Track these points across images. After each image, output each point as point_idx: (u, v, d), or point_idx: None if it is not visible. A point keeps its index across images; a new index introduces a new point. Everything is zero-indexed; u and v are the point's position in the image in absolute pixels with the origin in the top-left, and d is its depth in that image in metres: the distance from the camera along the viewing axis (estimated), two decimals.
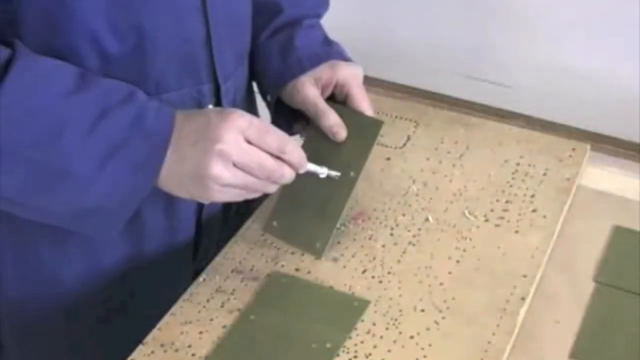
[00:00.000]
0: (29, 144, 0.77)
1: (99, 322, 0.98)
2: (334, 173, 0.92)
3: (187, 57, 0.89)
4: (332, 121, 0.94)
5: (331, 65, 0.98)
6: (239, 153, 0.81)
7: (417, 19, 2.43)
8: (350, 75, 0.98)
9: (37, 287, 0.94)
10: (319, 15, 1.07)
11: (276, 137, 0.83)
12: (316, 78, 0.97)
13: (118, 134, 0.79)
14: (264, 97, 1.03)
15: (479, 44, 2.38)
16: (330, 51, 1.01)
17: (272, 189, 0.86)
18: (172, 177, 0.82)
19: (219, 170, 0.80)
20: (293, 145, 0.85)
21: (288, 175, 0.85)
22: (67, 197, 0.80)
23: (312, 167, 0.90)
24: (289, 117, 1.02)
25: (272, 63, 1.00)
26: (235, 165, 0.81)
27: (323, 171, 0.91)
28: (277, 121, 1.04)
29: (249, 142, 0.82)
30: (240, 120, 0.82)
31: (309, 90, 0.96)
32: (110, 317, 0.98)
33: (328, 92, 0.98)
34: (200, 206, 0.98)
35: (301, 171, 0.87)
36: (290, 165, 0.85)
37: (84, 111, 0.79)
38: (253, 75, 1.04)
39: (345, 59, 1.01)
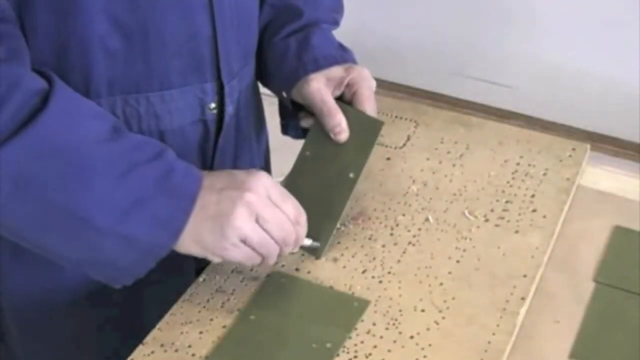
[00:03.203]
0: (49, 185, 0.75)
1: (100, 319, 0.98)
2: (315, 244, 0.91)
3: (192, 55, 0.89)
4: (336, 121, 0.95)
5: (346, 67, 0.99)
6: (265, 207, 0.81)
7: (418, 19, 2.43)
8: (362, 77, 0.98)
9: (38, 281, 0.94)
10: (335, 21, 1.08)
11: (295, 205, 0.84)
12: (328, 77, 0.98)
13: (143, 189, 0.78)
14: (279, 94, 1.03)
15: (479, 45, 2.38)
16: (345, 55, 1.02)
17: (273, 260, 0.84)
18: (191, 228, 0.79)
19: (243, 220, 0.79)
20: (305, 219, 0.85)
21: (294, 246, 0.85)
22: (81, 245, 0.78)
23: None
24: (294, 115, 1.03)
25: (288, 60, 1.00)
26: (257, 220, 0.81)
27: (308, 243, 0.90)
28: (286, 122, 1.05)
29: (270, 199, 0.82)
30: (266, 178, 0.82)
31: (318, 86, 0.96)
32: (112, 314, 0.98)
33: (338, 92, 0.98)
34: None
35: (297, 248, 0.87)
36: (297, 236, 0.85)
37: (112, 161, 0.77)
38: (263, 75, 1.05)
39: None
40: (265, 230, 0.81)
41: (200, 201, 0.79)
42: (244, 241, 0.80)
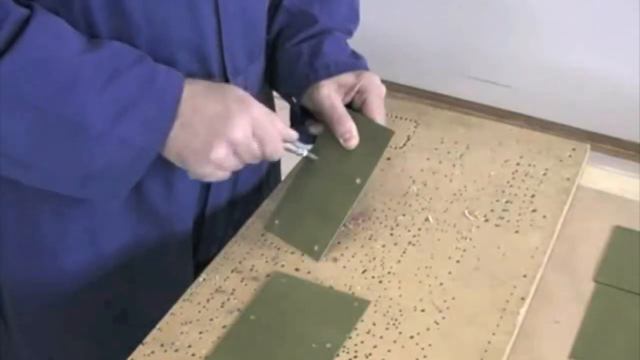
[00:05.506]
0: (43, 96, 0.78)
1: (99, 312, 0.98)
2: (312, 156, 0.94)
3: (196, 48, 0.89)
4: (346, 128, 0.96)
5: (357, 74, 1.00)
6: (245, 147, 0.86)
7: (417, 19, 2.43)
8: (372, 84, 0.99)
9: (38, 270, 0.95)
10: (349, 31, 1.09)
11: (277, 135, 0.88)
12: (339, 84, 0.99)
13: (130, 93, 0.81)
14: (288, 99, 1.03)
15: (478, 44, 2.38)
16: (357, 62, 1.02)
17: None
18: (176, 145, 0.84)
19: (223, 155, 0.85)
20: (284, 150, 0.91)
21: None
22: (77, 154, 0.81)
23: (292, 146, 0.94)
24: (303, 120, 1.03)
25: (300, 65, 1.01)
26: (234, 151, 0.86)
27: (302, 152, 0.95)
28: (296, 128, 1.05)
29: (253, 132, 0.86)
30: (256, 111, 0.86)
31: (329, 92, 0.97)
32: (110, 310, 0.98)
33: (349, 98, 0.99)
34: (205, 198, 0.98)
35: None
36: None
37: (97, 68, 0.80)
38: (274, 79, 1.05)
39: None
40: (238, 159, 0.87)
41: (189, 126, 0.84)
42: (220, 168, 0.87)
